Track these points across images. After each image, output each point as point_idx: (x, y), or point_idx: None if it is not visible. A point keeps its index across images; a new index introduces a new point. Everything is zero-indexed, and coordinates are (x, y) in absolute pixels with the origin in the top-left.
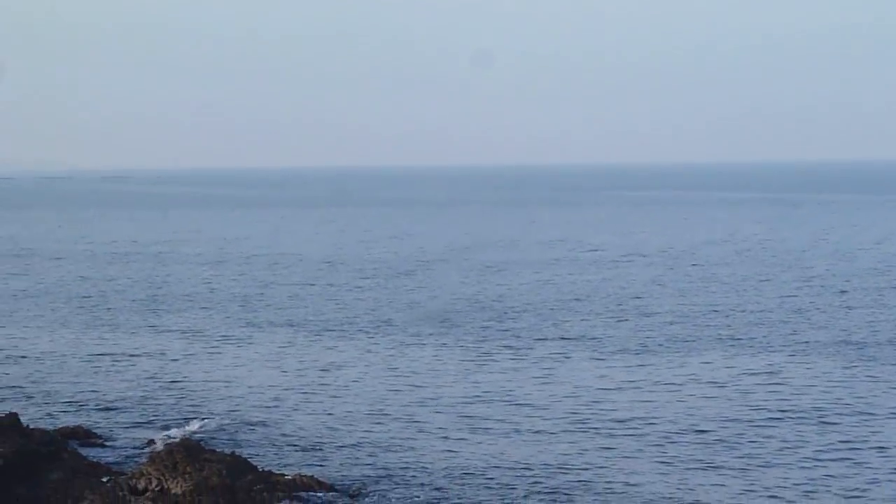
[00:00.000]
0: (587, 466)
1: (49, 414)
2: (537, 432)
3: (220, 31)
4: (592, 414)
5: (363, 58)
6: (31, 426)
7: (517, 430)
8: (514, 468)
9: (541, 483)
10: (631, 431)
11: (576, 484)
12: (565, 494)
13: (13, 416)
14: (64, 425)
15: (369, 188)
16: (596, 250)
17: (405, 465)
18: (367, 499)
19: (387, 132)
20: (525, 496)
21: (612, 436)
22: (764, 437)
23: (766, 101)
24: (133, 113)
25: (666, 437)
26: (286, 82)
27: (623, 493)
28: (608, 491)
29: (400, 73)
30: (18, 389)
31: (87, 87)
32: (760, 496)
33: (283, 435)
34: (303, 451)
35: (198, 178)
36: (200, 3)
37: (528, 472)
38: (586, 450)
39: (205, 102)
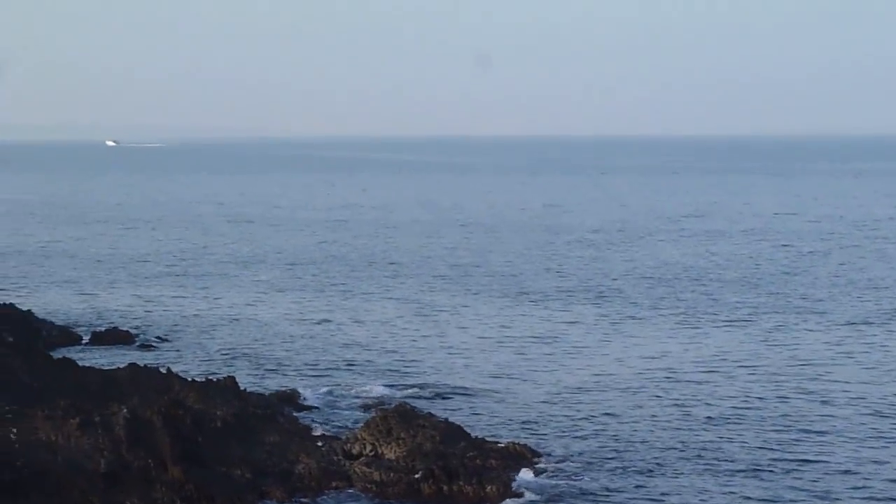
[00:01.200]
0: (814, 442)
1: (265, 377)
2: (763, 401)
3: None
4: (818, 385)
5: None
6: (248, 389)
7: (743, 403)
8: (741, 444)
9: (767, 462)
10: (856, 403)
11: (804, 459)
12: (790, 472)
13: (231, 379)
14: (280, 388)
15: (572, 156)
16: (817, 222)
17: (626, 439)
18: (581, 469)
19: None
20: (752, 475)
21: (835, 406)
22: None
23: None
24: (340, 83)
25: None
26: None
27: (846, 470)
28: (834, 471)
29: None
30: (236, 352)
31: (299, 61)
32: None
33: (498, 403)
34: (518, 419)
35: (392, 146)
36: None
37: (756, 449)
38: (812, 422)
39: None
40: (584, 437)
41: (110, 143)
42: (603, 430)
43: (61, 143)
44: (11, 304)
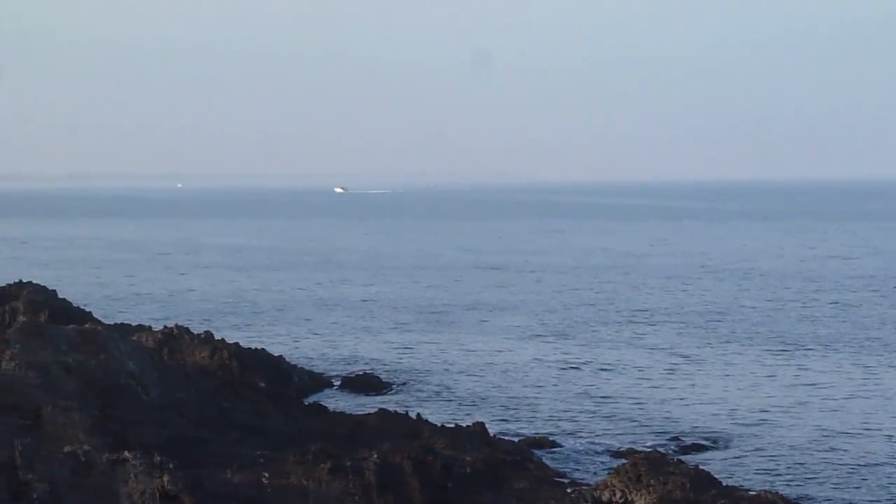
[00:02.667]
0: None
1: (514, 423)
2: None
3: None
4: None
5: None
6: (497, 435)
7: None
8: None
9: None
10: None
11: None
12: None
13: (480, 425)
14: (529, 435)
15: (821, 201)
16: None
17: (892, 489)
18: None
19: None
20: None
21: None
22: None
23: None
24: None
25: None
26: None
27: None
28: None
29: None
30: (485, 398)
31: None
32: None
33: (751, 451)
34: (771, 468)
35: (633, 191)
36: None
37: None
38: None
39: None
40: (844, 487)
41: (338, 190)
42: (865, 479)
43: (292, 190)
44: (263, 349)
